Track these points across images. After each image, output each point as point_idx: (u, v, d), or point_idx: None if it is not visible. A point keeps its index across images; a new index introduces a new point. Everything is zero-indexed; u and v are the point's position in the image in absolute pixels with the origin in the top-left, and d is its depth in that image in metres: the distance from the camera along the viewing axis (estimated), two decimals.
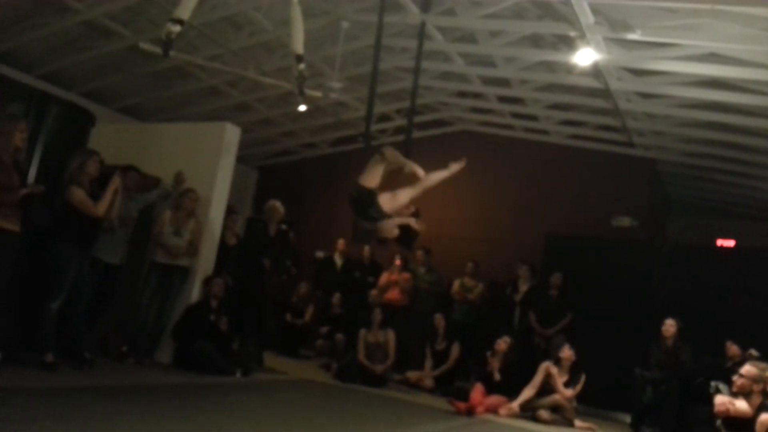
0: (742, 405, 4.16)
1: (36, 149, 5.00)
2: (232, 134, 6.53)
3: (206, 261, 6.25)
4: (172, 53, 5.66)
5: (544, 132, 9.91)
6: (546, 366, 6.31)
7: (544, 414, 6.03)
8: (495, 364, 6.41)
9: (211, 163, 6.33)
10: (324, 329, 8.73)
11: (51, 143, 5.11)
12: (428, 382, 7.17)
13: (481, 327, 8.19)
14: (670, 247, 8.74)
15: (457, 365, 7.39)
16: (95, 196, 4.99)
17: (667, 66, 6.76)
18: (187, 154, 6.39)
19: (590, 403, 6.96)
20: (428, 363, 7.40)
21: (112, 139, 6.39)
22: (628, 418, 6.68)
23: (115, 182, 5.07)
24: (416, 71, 5.18)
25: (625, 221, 8.99)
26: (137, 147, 6.60)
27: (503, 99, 9.29)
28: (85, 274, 5.03)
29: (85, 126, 5.60)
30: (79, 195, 4.86)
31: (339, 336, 7.99)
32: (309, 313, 9.05)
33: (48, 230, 4.89)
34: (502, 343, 6.61)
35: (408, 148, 4.96)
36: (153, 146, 6.63)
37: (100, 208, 4.92)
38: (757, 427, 3.88)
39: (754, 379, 4.13)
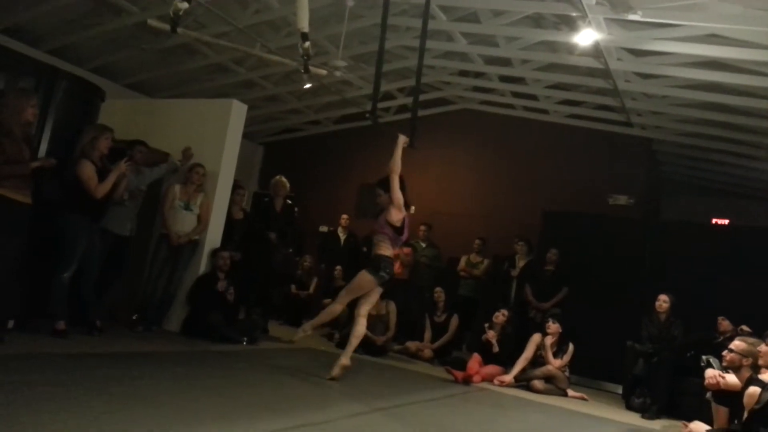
0: (732, 378, 4.21)
1: (47, 123, 5.06)
2: (238, 111, 6.64)
3: (214, 234, 6.41)
4: (179, 30, 5.74)
5: (544, 111, 10.00)
6: (536, 337, 6.51)
7: (538, 384, 6.23)
8: (492, 336, 6.60)
9: (218, 139, 6.44)
10: (327, 301, 8.93)
11: (61, 118, 5.17)
12: (427, 352, 7.37)
13: (483, 301, 8.39)
14: (665, 224, 8.86)
15: (455, 337, 7.60)
16: (105, 171, 5.12)
17: (667, 47, 6.83)
18: (195, 130, 6.51)
19: (583, 374, 7.16)
20: (428, 334, 7.59)
21: (121, 114, 6.51)
22: (619, 389, 6.84)
23: (120, 168, 5.16)
24: (421, 49, 5.29)
25: (621, 199, 9.13)
26: (146, 122, 6.72)
27: (504, 78, 9.37)
28: (95, 245, 5.13)
29: (95, 101, 5.68)
30: (87, 171, 4.94)
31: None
32: (313, 285, 9.27)
33: (59, 202, 5.02)
34: (500, 316, 6.79)
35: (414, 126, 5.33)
36: (161, 122, 6.75)
37: (100, 190, 4.99)
38: (745, 399, 3.93)
39: (744, 354, 4.16)
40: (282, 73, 9.67)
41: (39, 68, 5.32)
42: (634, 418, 5.68)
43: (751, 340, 4.33)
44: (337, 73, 8.04)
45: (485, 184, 10.32)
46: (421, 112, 10.99)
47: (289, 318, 8.77)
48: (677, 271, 7.35)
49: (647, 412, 5.82)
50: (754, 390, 3.89)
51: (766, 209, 10.03)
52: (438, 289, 7.80)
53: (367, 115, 4.75)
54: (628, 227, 8.26)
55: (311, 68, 6.90)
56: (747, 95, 7.44)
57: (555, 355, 6.45)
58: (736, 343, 4.24)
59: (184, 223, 6.11)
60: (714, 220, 9.60)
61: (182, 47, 8.77)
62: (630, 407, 6.15)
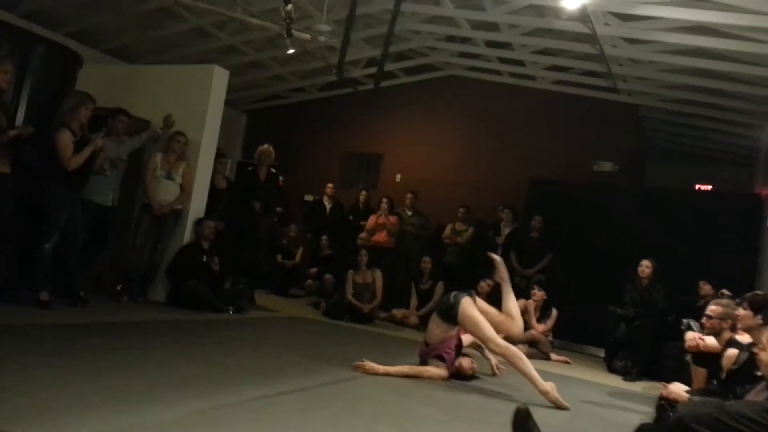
0: (711, 340, 4.28)
1: (23, 91, 4.95)
2: (220, 77, 6.53)
3: (198, 204, 6.36)
4: None
5: (531, 77, 9.93)
6: (521, 303, 6.57)
7: (521, 348, 6.29)
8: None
9: (200, 106, 6.35)
10: (313, 270, 8.97)
11: (38, 85, 5.05)
12: (413, 319, 7.46)
13: (468, 268, 8.44)
14: (649, 190, 8.92)
15: None
16: (84, 140, 5.03)
17: (654, 11, 6.77)
18: (176, 97, 6.40)
19: (567, 338, 7.27)
20: (413, 301, 7.67)
21: (100, 80, 6.34)
22: (601, 353, 6.95)
23: (96, 144, 5.07)
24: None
25: (606, 166, 9.16)
26: (125, 89, 6.58)
27: (491, 44, 9.27)
28: (78, 215, 5.09)
29: (72, 67, 5.55)
30: (63, 140, 4.86)
31: (328, 276, 8.20)
32: (299, 254, 9.27)
33: (39, 172, 4.95)
34: (485, 285, 6.86)
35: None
36: (141, 88, 6.62)
37: (72, 163, 4.90)
38: (724, 360, 3.99)
39: (722, 317, 4.22)
40: (264, 38, 9.49)
41: (13, 33, 5.17)
42: (615, 381, 5.80)
43: (725, 302, 4.37)
44: (321, 38, 7.89)
45: (472, 152, 10.29)
46: (407, 79, 10.96)
47: (276, 287, 8.79)
48: (661, 237, 7.43)
49: (628, 375, 5.95)
50: (732, 352, 3.96)
51: (748, 175, 10.13)
52: (426, 258, 7.85)
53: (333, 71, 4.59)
54: (612, 194, 8.30)
55: (294, 32, 6.80)
56: (732, 60, 7.44)
57: (539, 320, 6.54)
58: (713, 308, 4.27)
59: (166, 192, 6.05)
60: (697, 186, 9.69)
61: (161, 11, 8.55)
62: (612, 370, 6.28)
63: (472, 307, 4.25)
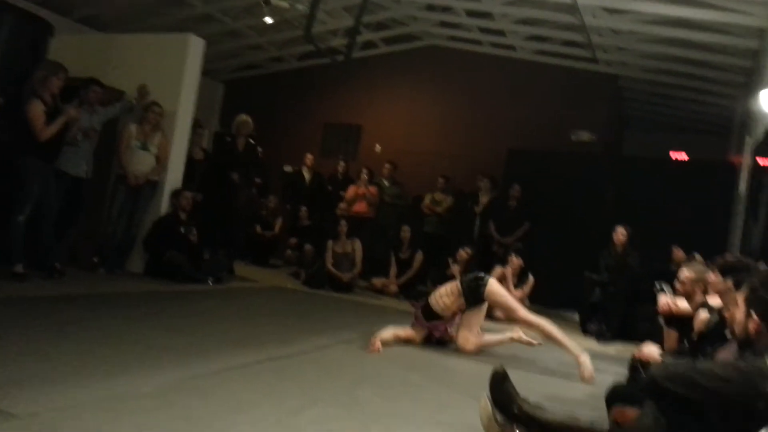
0: (683, 304, 4.38)
1: None
2: (196, 46, 6.41)
3: (174, 175, 6.30)
4: None
5: (511, 47, 9.90)
6: (498, 270, 6.68)
7: (499, 313, 6.42)
8: (457, 271, 6.74)
9: (176, 76, 6.25)
10: (293, 240, 8.97)
11: (7, 55, 4.96)
12: (392, 288, 7.53)
13: (448, 237, 8.51)
14: (625, 159, 9.01)
15: (420, 272, 7.74)
16: (56, 111, 4.94)
17: None
18: (151, 67, 6.29)
19: (543, 303, 7.38)
20: (393, 270, 7.72)
21: (72, 50, 6.20)
22: (576, 317, 7.10)
23: (69, 114, 4.99)
24: None
25: (584, 136, 9.22)
26: (98, 59, 6.44)
27: (472, 13, 9.20)
28: (51, 186, 5.03)
29: (43, 37, 5.43)
30: (35, 111, 4.78)
31: (308, 246, 8.21)
32: (278, 225, 9.26)
33: (10, 143, 4.86)
34: (464, 253, 6.93)
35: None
36: (115, 58, 6.49)
37: (45, 133, 4.83)
38: (696, 323, 4.10)
39: (694, 281, 4.33)
40: (242, 6, 9.30)
41: None
42: (590, 343, 5.91)
43: (697, 266, 4.44)
44: (300, 7, 7.78)
45: (451, 122, 10.29)
46: (386, 49, 10.86)
47: (255, 258, 8.78)
48: (636, 204, 7.54)
49: (602, 337, 6.08)
50: (704, 315, 4.05)
51: (722, 144, 10.27)
52: (405, 227, 7.90)
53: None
54: (590, 163, 8.38)
55: (272, 0, 6.67)
56: (711, 31, 7.48)
57: (515, 287, 6.64)
58: (685, 275, 4.35)
59: (141, 163, 5.99)
60: (673, 155, 9.81)
61: None
62: (586, 332, 6.40)
63: (498, 283, 4.47)
